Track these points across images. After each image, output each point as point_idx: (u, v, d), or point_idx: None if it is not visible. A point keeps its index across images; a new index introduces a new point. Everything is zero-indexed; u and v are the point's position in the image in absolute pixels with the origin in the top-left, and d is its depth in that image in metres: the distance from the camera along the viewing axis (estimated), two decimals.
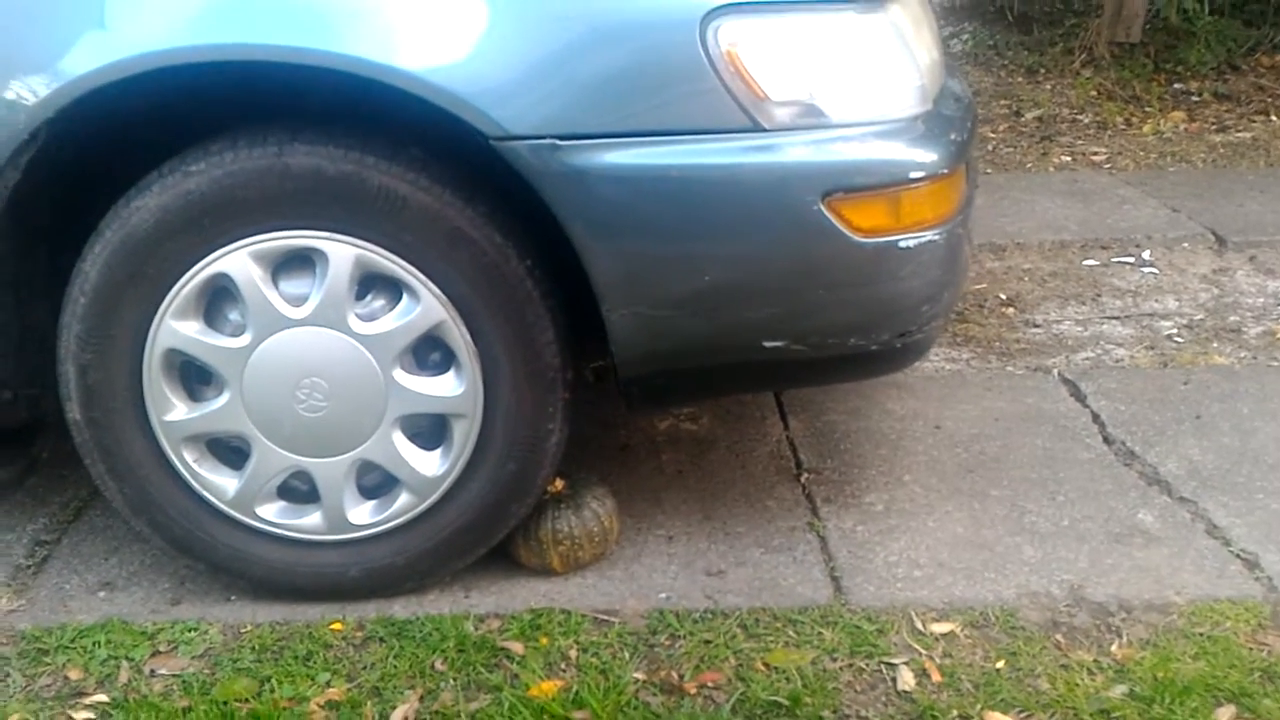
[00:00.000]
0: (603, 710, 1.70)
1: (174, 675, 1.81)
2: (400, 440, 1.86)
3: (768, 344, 1.82)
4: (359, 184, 1.71)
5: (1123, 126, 4.79)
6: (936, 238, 1.79)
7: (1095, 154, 4.46)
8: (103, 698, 1.77)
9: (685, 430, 2.51)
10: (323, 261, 1.76)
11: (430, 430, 1.89)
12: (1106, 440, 2.45)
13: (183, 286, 1.77)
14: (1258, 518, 2.17)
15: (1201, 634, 1.86)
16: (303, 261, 1.78)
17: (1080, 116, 4.90)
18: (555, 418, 1.87)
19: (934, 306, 1.87)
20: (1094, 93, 5.09)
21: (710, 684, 1.78)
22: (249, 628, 1.91)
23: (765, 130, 1.69)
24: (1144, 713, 1.69)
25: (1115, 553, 2.07)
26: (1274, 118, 4.87)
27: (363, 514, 1.91)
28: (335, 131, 1.74)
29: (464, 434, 1.86)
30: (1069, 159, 4.42)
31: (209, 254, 1.76)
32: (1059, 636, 1.87)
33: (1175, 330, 3.02)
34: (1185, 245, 3.51)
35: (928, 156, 1.76)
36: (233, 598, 1.99)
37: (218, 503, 1.89)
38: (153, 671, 1.82)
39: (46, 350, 1.87)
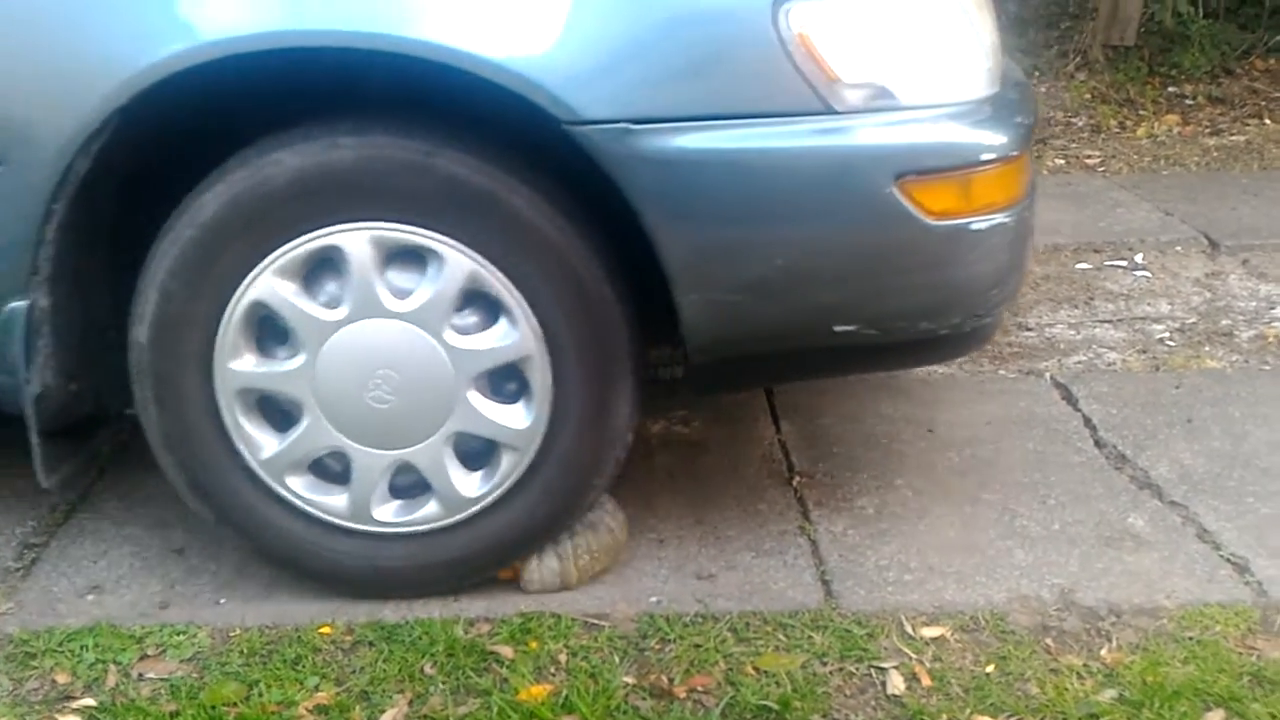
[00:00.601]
0: (592, 714, 1.70)
1: (162, 679, 1.80)
2: (449, 455, 1.86)
3: (838, 329, 1.82)
4: (492, 201, 1.73)
5: (1117, 130, 4.80)
6: (1006, 220, 1.79)
7: (1089, 157, 4.47)
8: (90, 701, 1.76)
9: (677, 433, 2.50)
10: (437, 264, 1.76)
11: (477, 452, 1.89)
12: (1098, 444, 2.46)
13: (294, 248, 1.77)
14: (1248, 522, 2.17)
15: (1191, 638, 1.86)
16: (413, 258, 1.78)
17: (1074, 119, 4.91)
18: (605, 474, 1.90)
19: (1002, 291, 1.88)
20: (1088, 96, 5.10)
21: (700, 688, 1.77)
22: (238, 631, 1.90)
23: (837, 113, 1.70)
24: (1133, 717, 1.69)
25: (1106, 557, 2.07)
26: (1268, 121, 4.88)
27: (386, 512, 1.91)
28: (470, 141, 1.76)
29: (511, 465, 1.86)
30: (1063, 162, 4.43)
31: (330, 225, 1.75)
32: (1049, 640, 1.86)
33: (1167, 334, 3.02)
34: (1178, 249, 3.51)
35: (997, 139, 1.77)
36: (222, 600, 1.99)
37: (250, 459, 1.88)
38: (141, 675, 1.81)
39: (107, 344, 1.87)
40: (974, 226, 1.76)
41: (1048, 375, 2.78)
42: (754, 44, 1.68)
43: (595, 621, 1.92)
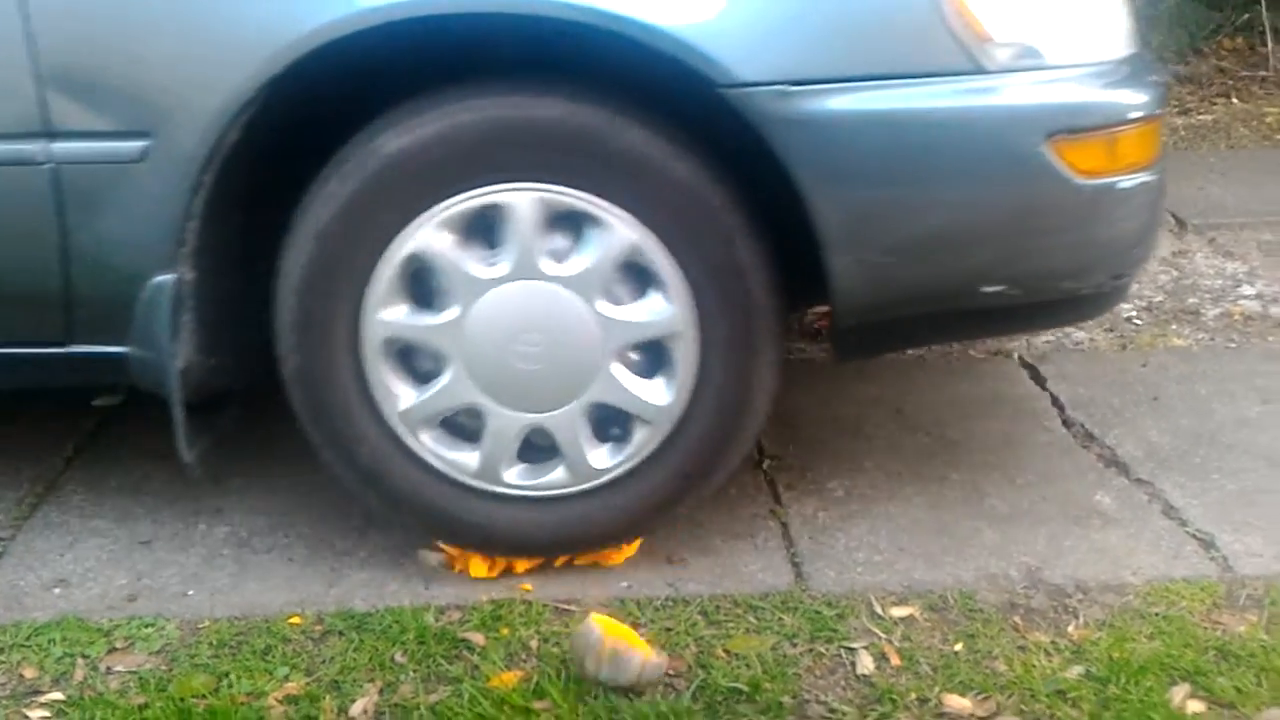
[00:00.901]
0: (564, 700, 1.70)
1: (130, 672, 1.79)
2: (583, 424, 1.87)
3: (985, 289, 1.83)
4: (660, 170, 1.74)
5: None
6: (1150, 179, 1.82)
7: None
8: (58, 696, 1.75)
9: None
10: (599, 231, 1.77)
11: (609, 421, 1.89)
12: (1066, 423, 2.47)
13: (460, 202, 1.77)
14: (1213, 498, 2.19)
15: (1157, 614, 1.87)
16: (572, 222, 1.79)
17: None
18: (738, 453, 1.92)
19: (1142, 249, 1.92)
20: None
21: (671, 671, 1.77)
22: (207, 623, 1.89)
23: (988, 72, 1.71)
24: (1099, 693, 1.70)
25: (1073, 534, 2.09)
26: (1235, 101, 4.92)
27: (513, 474, 1.91)
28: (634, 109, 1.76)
29: (644, 440, 1.87)
30: None
31: (499, 183, 1.76)
32: (1016, 618, 1.88)
33: (1134, 313, 3.04)
34: None
35: (1140, 97, 1.80)
36: (190, 592, 1.98)
37: (386, 410, 1.86)
38: (109, 669, 1.80)
39: (237, 318, 1.89)
40: (1120, 185, 1.79)
41: (1016, 355, 2.79)
42: (909, 3, 1.69)
43: (566, 607, 1.92)
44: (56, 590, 1.99)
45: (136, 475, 2.32)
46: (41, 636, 1.86)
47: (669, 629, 1.86)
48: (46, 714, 1.71)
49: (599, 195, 1.76)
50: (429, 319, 1.83)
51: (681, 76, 1.70)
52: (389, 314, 1.82)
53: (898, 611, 1.90)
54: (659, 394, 1.85)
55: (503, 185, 1.76)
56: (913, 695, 1.72)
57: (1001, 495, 2.20)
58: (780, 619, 1.88)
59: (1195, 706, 1.68)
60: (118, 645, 1.85)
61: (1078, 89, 1.77)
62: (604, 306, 1.80)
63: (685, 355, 1.82)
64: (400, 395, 1.87)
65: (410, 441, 1.89)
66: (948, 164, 1.74)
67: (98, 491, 2.27)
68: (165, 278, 1.79)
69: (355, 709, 1.70)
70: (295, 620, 1.89)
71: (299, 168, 1.84)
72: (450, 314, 1.81)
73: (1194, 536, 2.08)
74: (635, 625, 1.87)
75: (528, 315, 1.81)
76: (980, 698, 1.71)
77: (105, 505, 2.23)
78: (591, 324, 1.80)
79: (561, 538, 1.96)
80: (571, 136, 1.74)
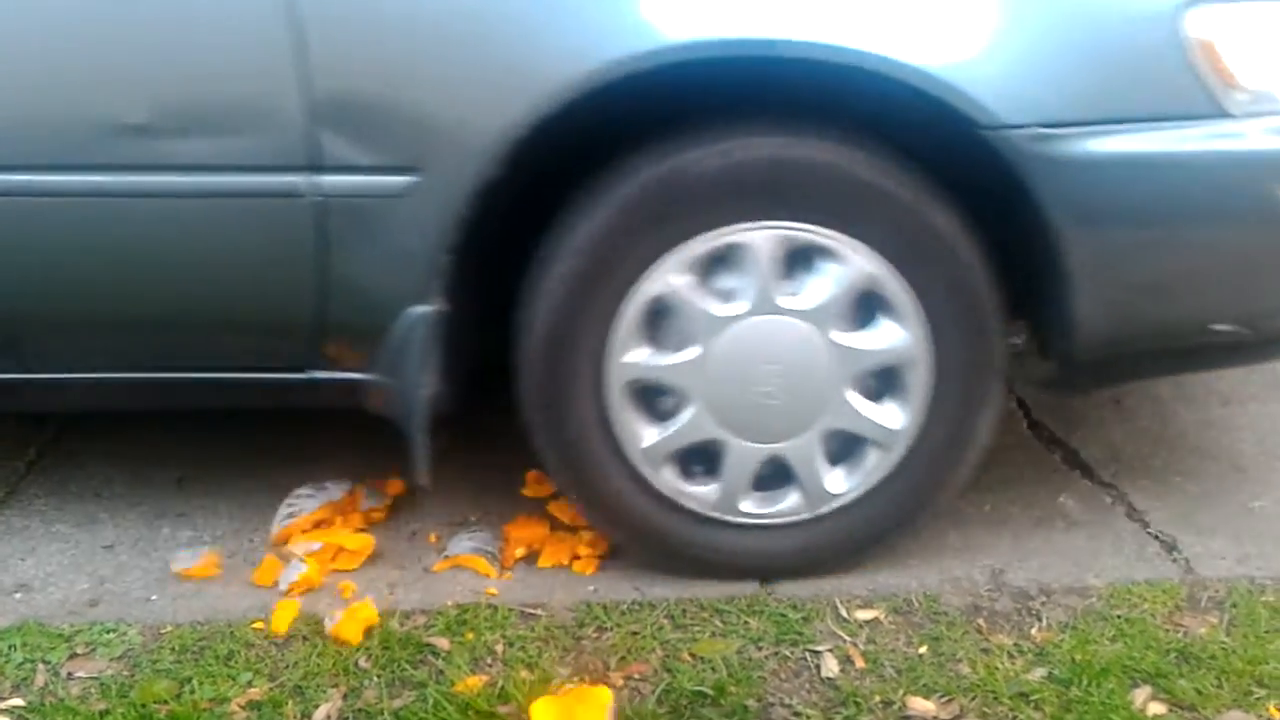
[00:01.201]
0: (528, 704, 1.69)
1: (92, 678, 1.77)
2: (819, 451, 1.90)
3: (1216, 327, 1.88)
4: (895, 203, 1.79)
5: None
6: None
7: None
8: (19, 702, 1.73)
9: None
10: (836, 264, 1.81)
11: (840, 448, 1.93)
12: (1031, 425, 2.49)
13: (702, 242, 1.79)
14: (1175, 500, 2.21)
15: (1119, 616, 1.89)
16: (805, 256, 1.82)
17: None
18: (963, 474, 1.96)
19: None
20: None
21: (637, 675, 1.78)
22: (169, 628, 1.88)
23: (1231, 116, 1.75)
24: (1062, 695, 1.72)
25: (1037, 537, 2.10)
26: None
27: (749, 503, 1.94)
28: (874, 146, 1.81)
29: (877, 463, 1.91)
30: None
31: (740, 222, 1.79)
32: (980, 621, 1.89)
33: None
34: None
35: None
36: (153, 597, 1.96)
37: (629, 449, 1.90)
38: (70, 674, 1.79)
39: (466, 346, 1.92)
40: None
41: None
42: (1160, 50, 1.74)
43: (532, 611, 1.92)
44: (18, 595, 1.97)
45: (98, 480, 2.30)
46: (2, 642, 1.84)
47: (635, 633, 1.86)
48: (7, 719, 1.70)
49: (836, 230, 1.80)
50: (671, 359, 1.86)
51: (941, 119, 1.73)
52: (632, 356, 1.85)
53: (863, 614, 1.91)
54: (895, 418, 1.89)
55: (741, 224, 1.79)
56: (877, 698, 1.73)
57: (966, 497, 2.20)
58: (746, 622, 1.89)
59: (1157, 708, 1.70)
60: (79, 651, 1.83)
61: None
62: (839, 336, 1.84)
63: (919, 380, 1.87)
64: (644, 434, 1.90)
65: (652, 479, 1.92)
66: (1192, 205, 1.81)
67: (59, 496, 2.25)
68: (422, 309, 1.79)
69: (318, 715, 1.70)
70: (258, 625, 1.88)
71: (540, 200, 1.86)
72: (692, 353, 1.84)
73: (1156, 538, 2.10)
74: (601, 630, 1.87)
75: (767, 349, 1.85)
76: (944, 700, 1.72)
77: (67, 510, 2.21)
78: (826, 354, 1.84)
79: (791, 560, 2.00)
80: (808, 175, 1.78)
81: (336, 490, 2.17)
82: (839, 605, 1.92)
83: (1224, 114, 1.76)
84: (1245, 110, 1.76)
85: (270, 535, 2.10)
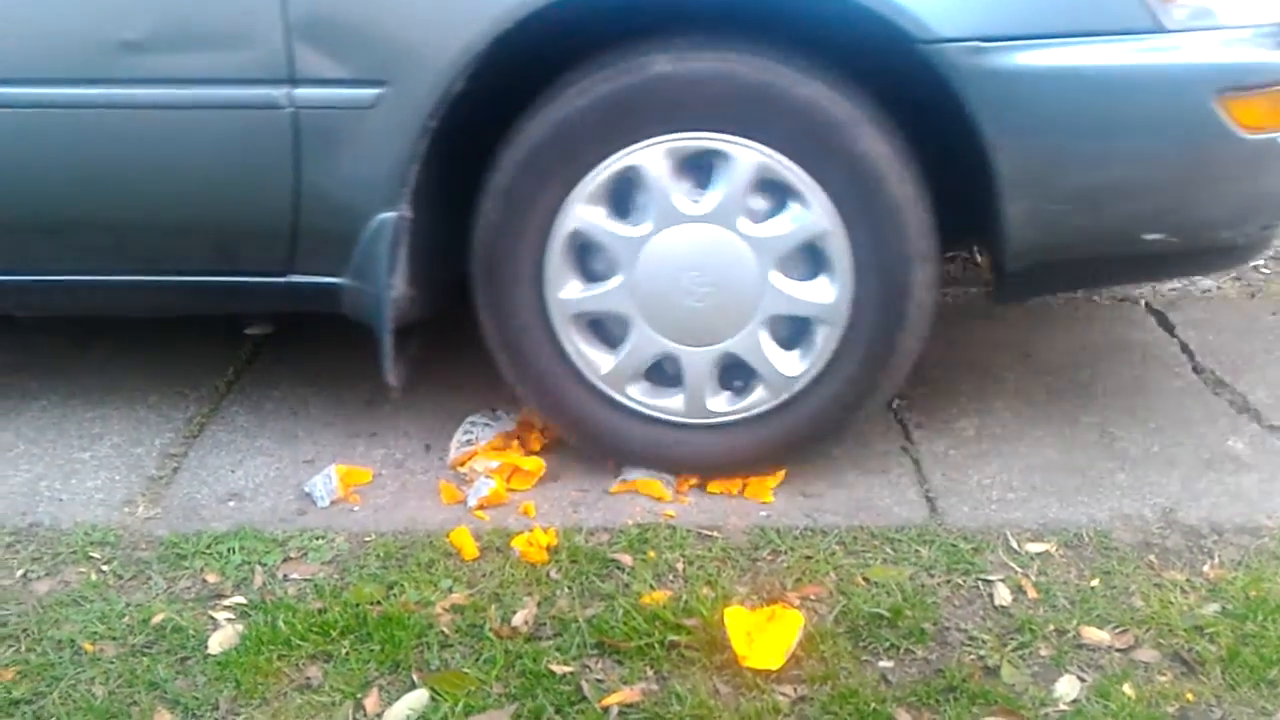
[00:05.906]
0: (712, 619, 1.78)
1: (306, 579, 1.91)
2: (767, 338, 2.00)
3: (1147, 237, 1.95)
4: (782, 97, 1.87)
5: None
6: None
7: None
8: (240, 599, 1.87)
9: None
10: (725, 164, 1.91)
11: (793, 335, 2.03)
12: (1196, 369, 2.49)
13: (661, 143, 1.91)
14: None
15: None
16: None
17: None
18: (915, 335, 2.00)
19: None
20: None
21: (813, 596, 1.85)
22: (373, 537, 2.01)
23: (1166, 31, 1.80)
24: (1237, 629, 1.74)
25: (1206, 478, 2.11)
26: None
27: (719, 403, 2.06)
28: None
29: (826, 338, 2.00)
30: None
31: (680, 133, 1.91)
32: (1152, 557, 1.92)
33: (1262, 261, 3.01)
34: None
35: None
36: (355, 509, 2.09)
37: (591, 376, 2.05)
38: (285, 576, 1.92)
39: (431, 253, 2.05)
40: None
41: (1143, 302, 2.80)
42: None
43: (708, 533, 2.00)
44: (231, 503, 2.12)
45: (292, 400, 2.44)
46: (220, 545, 1.99)
47: (808, 557, 1.93)
48: (231, 615, 1.84)
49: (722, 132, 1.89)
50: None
51: (876, 35, 1.79)
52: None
53: (1033, 547, 1.95)
54: (825, 292, 1.97)
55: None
56: (1051, 627, 1.77)
57: (1133, 438, 2.23)
58: (917, 551, 1.94)
59: None
60: (292, 555, 1.97)
61: (1247, 48, 1.85)
62: (747, 226, 1.93)
63: (839, 250, 1.93)
64: (600, 362, 2.03)
65: (621, 399, 2.06)
66: (1124, 118, 1.85)
67: (258, 414, 2.40)
68: (389, 215, 1.94)
69: (517, 619, 1.80)
70: (456, 535, 1.99)
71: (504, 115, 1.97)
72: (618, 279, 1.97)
73: None
74: (775, 553, 1.95)
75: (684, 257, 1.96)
76: (1118, 631, 1.76)
77: (267, 427, 2.36)
78: (742, 245, 1.93)
79: (778, 446, 2.10)
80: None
81: (509, 420, 2.29)
82: (1009, 537, 1.97)
83: (1160, 29, 1.79)
84: (1181, 25, 1.79)
85: (449, 459, 2.22)
